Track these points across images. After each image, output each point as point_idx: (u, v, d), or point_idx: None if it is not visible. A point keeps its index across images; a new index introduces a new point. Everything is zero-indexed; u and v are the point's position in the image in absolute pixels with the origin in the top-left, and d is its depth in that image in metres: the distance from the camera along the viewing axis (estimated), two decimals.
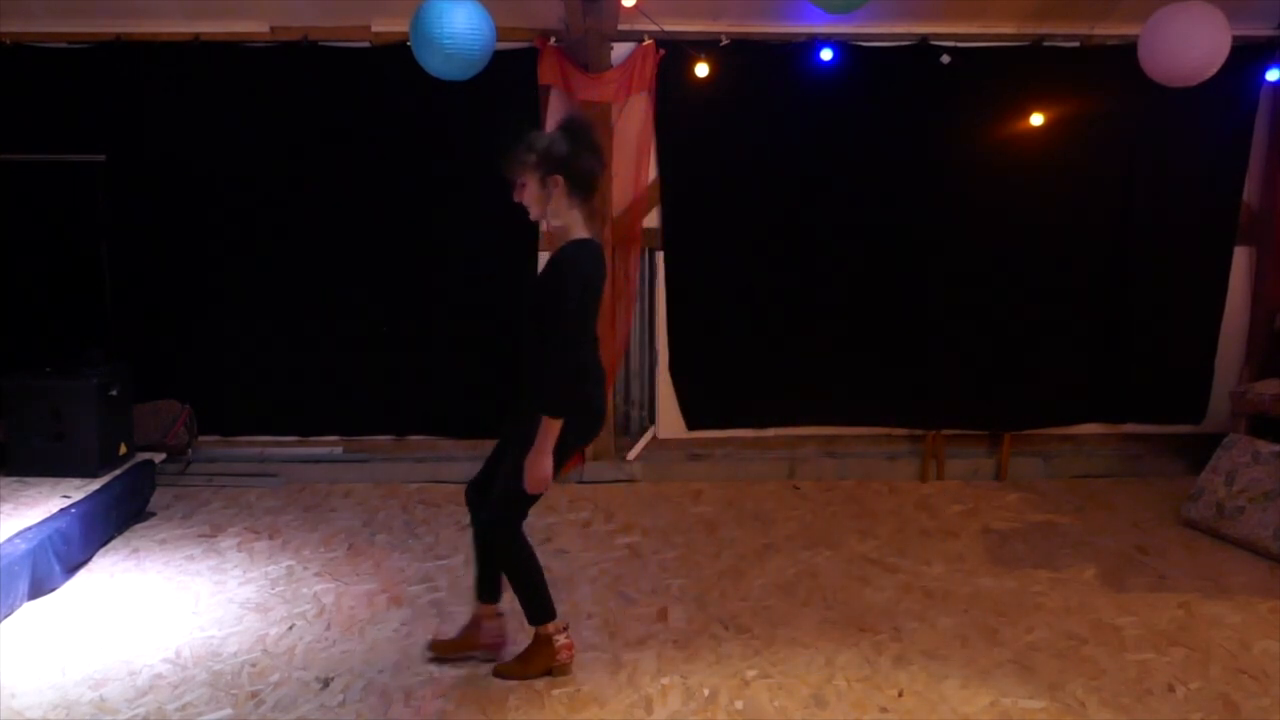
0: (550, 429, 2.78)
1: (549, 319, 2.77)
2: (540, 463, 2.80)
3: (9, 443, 4.38)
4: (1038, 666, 3.19)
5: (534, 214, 2.89)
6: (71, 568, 3.89)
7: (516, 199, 2.88)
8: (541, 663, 3.08)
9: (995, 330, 5.21)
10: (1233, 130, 5.11)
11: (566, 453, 2.88)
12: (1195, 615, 3.58)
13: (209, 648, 3.31)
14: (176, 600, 3.70)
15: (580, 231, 2.84)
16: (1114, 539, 4.35)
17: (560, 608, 3.60)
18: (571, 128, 2.84)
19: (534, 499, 2.94)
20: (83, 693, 3.02)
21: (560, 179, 2.79)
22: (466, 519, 4.54)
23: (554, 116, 5.03)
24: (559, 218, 2.85)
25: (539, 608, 3.06)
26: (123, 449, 4.54)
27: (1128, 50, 4.19)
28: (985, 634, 3.42)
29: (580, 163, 2.80)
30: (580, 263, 2.78)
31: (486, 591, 3.17)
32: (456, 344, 5.21)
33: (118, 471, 4.43)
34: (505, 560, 3.05)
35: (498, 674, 3.09)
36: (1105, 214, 5.15)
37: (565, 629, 3.11)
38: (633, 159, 5.06)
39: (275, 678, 3.12)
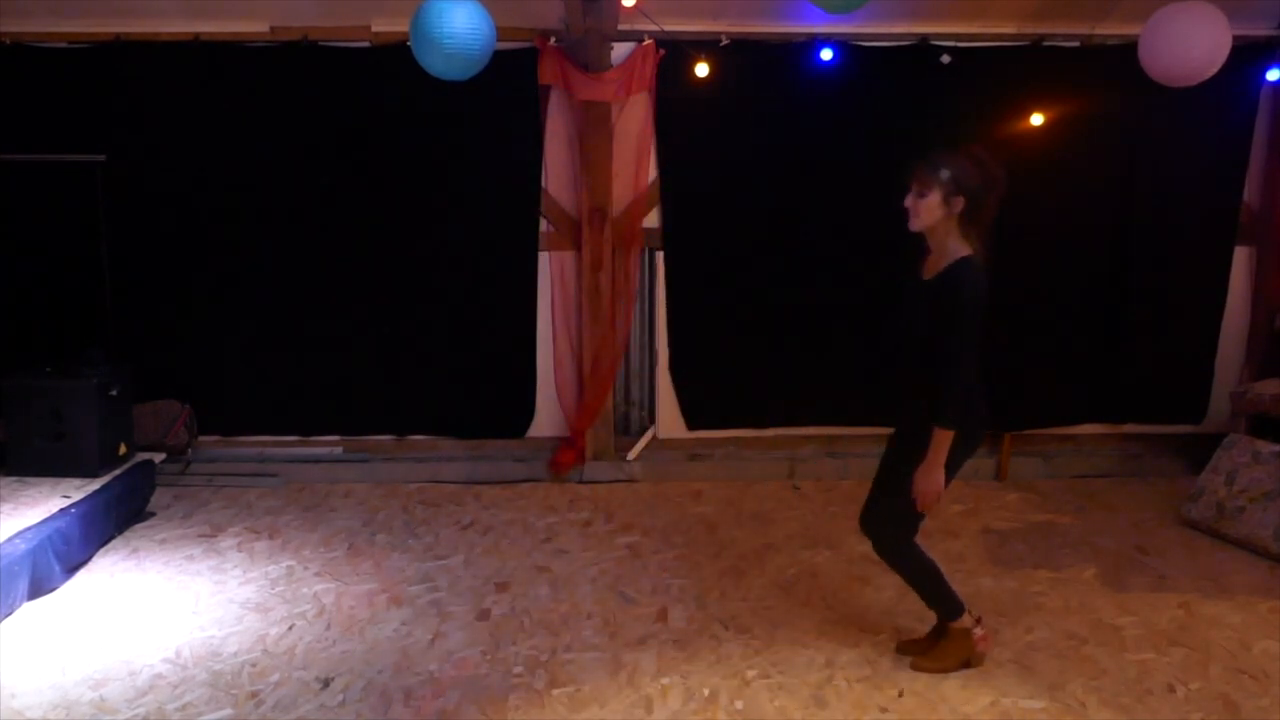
0: (943, 442, 2.87)
1: (945, 333, 2.85)
2: (933, 476, 2.89)
3: (9, 443, 4.38)
4: (1038, 666, 3.20)
5: (920, 223, 2.92)
6: (71, 568, 3.89)
7: (906, 204, 2.92)
8: (959, 655, 3.15)
9: (995, 330, 5.19)
10: (1233, 130, 5.11)
11: (955, 465, 2.94)
12: (1195, 615, 3.58)
13: (209, 648, 3.32)
14: (176, 600, 3.70)
15: (966, 249, 2.91)
16: (1114, 539, 4.35)
17: (560, 608, 3.62)
18: (987, 169, 2.88)
19: (922, 515, 3.02)
20: (83, 693, 3.02)
21: (962, 202, 2.87)
22: (467, 519, 4.60)
23: (554, 116, 5.05)
24: (945, 235, 2.92)
25: (949, 606, 3.14)
26: (123, 449, 4.54)
27: (1128, 50, 4.19)
28: None
29: (986, 199, 2.88)
30: (976, 280, 2.86)
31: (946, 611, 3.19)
32: (456, 344, 5.21)
33: (118, 471, 4.43)
34: (903, 572, 3.15)
35: (916, 668, 3.16)
36: (1105, 214, 5.15)
37: (979, 620, 3.18)
38: (633, 159, 5.06)
39: (275, 678, 3.12)
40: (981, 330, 2.89)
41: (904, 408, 3.09)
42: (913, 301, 3.02)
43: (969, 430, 2.96)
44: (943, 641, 3.19)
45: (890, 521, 3.10)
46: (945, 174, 2.86)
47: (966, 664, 3.15)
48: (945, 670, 3.14)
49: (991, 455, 5.28)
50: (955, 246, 2.91)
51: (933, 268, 2.97)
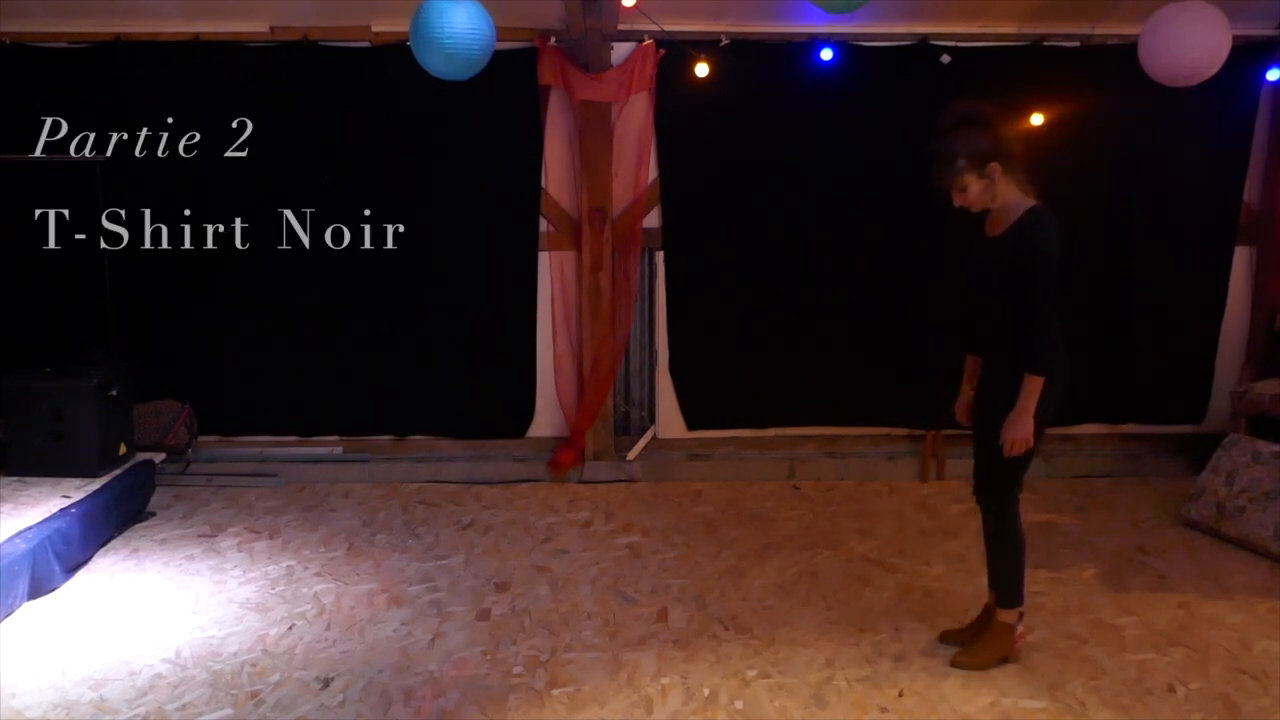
0: (1034, 389, 2.87)
1: (1024, 284, 2.86)
2: (1022, 423, 2.89)
3: (9, 443, 4.38)
4: (1038, 666, 3.19)
5: (982, 205, 2.98)
6: (71, 568, 3.89)
7: (959, 204, 2.98)
8: (998, 650, 3.16)
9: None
10: (1233, 130, 5.11)
11: (1045, 417, 2.94)
12: (1195, 615, 3.58)
13: (209, 648, 3.32)
14: (176, 600, 3.70)
15: (1028, 199, 2.94)
16: (1114, 539, 4.35)
17: (560, 608, 3.62)
18: (973, 118, 2.93)
19: (1022, 469, 3.04)
20: (83, 693, 3.02)
21: (996, 165, 2.90)
22: (467, 519, 4.61)
23: (554, 117, 5.04)
24: (1003, 198, 2.96)
25: (1014, 592, 3.14)
26: (123, 449, 4.54)
27: (1128, 50, 4.19)
28: None
29: (1003, 144, 2.93)
30: (1049, 224, 2.88)
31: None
32: (456, 344, 5.21)
33: (118, 471, 4.43)
34: (998, 539, 3.14)
35: (955, 664, 3.16)
36: (1105, 214, 5.15)
37: (1021, 615, 3.18)
38: (633, 159, 5.06)
39: (275, 678, 3.12)
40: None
41: (989, 369, 3.10)
42: (983, 262, 3.04)
43: (1057, 376, 2.93)
44: (985, 636, 3.20)
45: (999, 489, 3.10)
46: (960, 162, 2.90)
47: (1004, 660, 3.16)
48: (985, 667, 3.14)
49: None
50: (1017, 200, 2.93)
51: (999, 225, 2.99)
